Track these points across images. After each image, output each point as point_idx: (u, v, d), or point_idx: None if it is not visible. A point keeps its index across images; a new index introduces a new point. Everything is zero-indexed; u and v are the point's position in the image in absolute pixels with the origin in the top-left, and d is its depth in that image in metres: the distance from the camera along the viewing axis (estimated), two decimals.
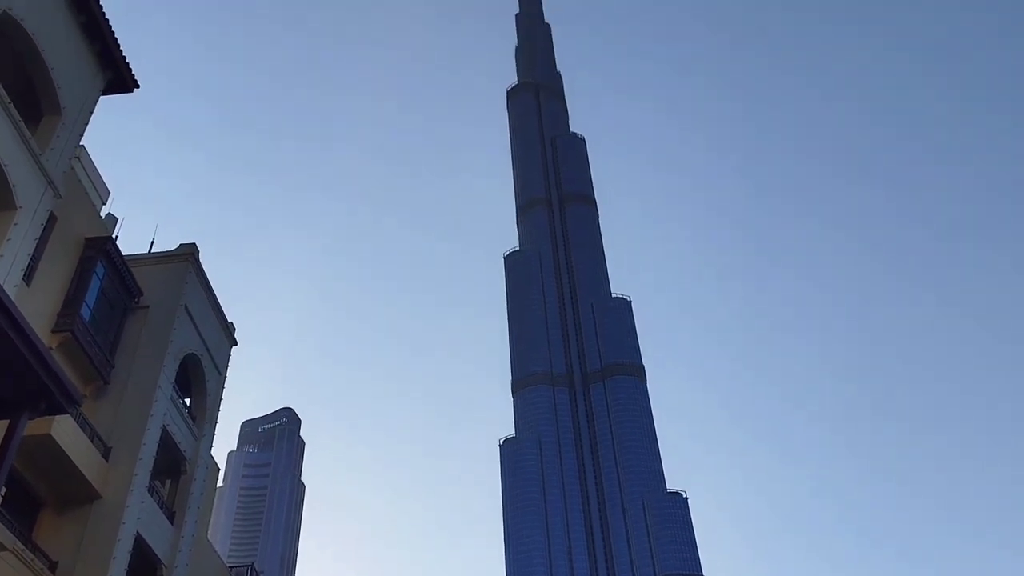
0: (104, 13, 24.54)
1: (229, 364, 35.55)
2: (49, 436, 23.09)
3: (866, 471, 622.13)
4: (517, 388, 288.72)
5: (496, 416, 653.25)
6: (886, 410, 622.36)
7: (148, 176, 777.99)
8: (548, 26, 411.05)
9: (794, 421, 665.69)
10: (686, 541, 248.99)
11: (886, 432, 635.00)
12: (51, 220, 24.99)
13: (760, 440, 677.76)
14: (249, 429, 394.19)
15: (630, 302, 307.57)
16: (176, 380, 30.57)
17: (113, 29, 24.98)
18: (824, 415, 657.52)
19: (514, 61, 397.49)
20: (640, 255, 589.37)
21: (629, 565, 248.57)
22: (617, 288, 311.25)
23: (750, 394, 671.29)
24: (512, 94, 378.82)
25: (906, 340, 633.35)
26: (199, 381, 33.04)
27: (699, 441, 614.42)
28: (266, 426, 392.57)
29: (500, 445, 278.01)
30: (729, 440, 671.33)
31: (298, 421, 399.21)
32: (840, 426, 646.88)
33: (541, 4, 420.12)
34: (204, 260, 33.16)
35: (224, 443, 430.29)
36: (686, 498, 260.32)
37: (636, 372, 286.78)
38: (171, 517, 29.53)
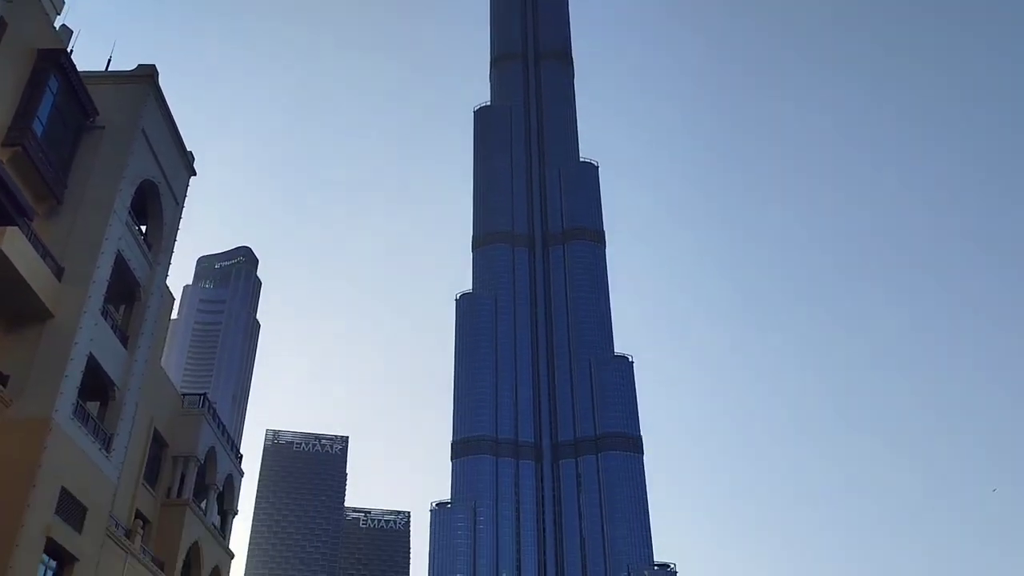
0: None
1: (187, 195, 34.91)
2: None
3: (824, 330, 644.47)
4: (478, 245, 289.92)
5: (455, 271, 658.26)
6: (849, 270, 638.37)
7: None
8: None
9: (752, 292, 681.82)
10: (627, 402, 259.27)
11: (854, 293, 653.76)
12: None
13: (713, 314, 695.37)
14: (206, 265, 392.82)
15: (597, 167, 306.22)
16: (132, 206, 30.00)
17: None
18: (785, 286, 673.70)
19: None
20: (613, 120, 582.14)
21: (572, 422, 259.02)
22: (586, 152, 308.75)
23: (708, 268, 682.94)
24: None
25: (879, 207, 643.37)
26: (155, 209, 32.48)
27: (652, 308, 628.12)
28: (223, 263, 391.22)
29: (457, 300, 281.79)
30: (682, 310, 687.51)
31: (255, 260, 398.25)
32: (804, 292, 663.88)
33: None
34: (165, 87, 31.86)
35: (179, 277, 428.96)
36: (631, 362, 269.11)
37: (596, 238, 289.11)
38: (124, 341, 29.66)
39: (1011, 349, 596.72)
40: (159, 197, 32.18)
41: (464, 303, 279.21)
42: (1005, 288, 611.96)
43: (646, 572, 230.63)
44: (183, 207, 34.52)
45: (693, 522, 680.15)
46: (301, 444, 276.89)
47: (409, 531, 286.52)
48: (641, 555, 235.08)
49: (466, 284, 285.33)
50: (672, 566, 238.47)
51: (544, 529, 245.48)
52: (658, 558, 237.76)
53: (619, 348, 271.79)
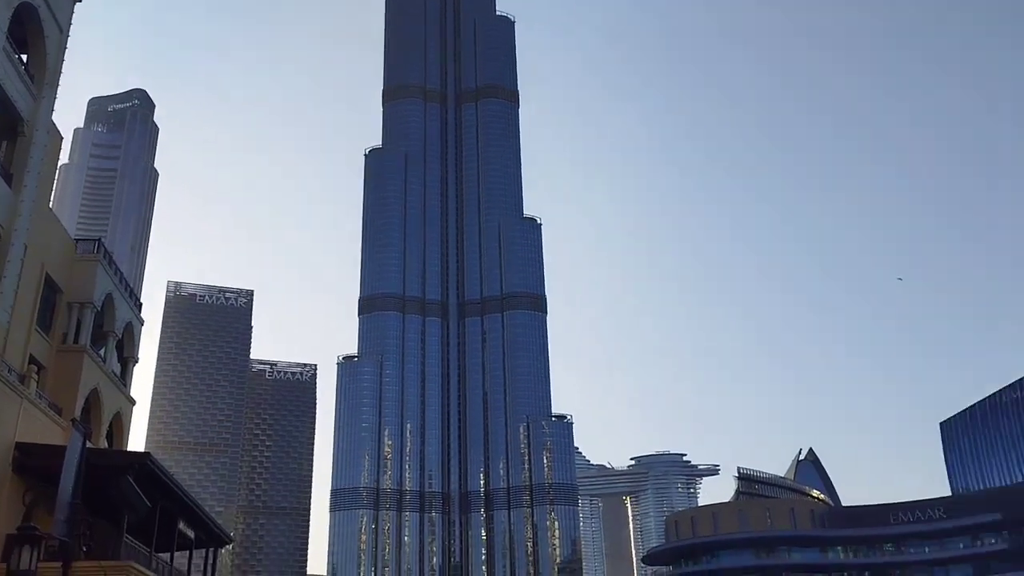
0: None
1: (72, 22, 32.21)
2: None
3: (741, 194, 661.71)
4: (388, 99, 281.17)
5: (365, 125, 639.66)
6: (758, 131, 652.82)
7: None
8: None
9: (670, 154, 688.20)
10: (534, 263, 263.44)
11: (757, 149, 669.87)
12: None
13: (627, 177, 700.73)
14: (97, 107, 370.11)
15: (514, 23, 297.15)
16: (10, 33, 27.56)
17: None
18: (698, 145, 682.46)
19: None
20: None
21: (479, 281, 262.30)
22: (504, 6, 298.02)
23: (622, 134, 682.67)
24: None
25: None
26: (37, 36, 29.94)
27: (564, 170, 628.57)
28: (116, 106, 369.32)
29: (366, 155, 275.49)
30: (595, 170, 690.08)
31: (151, 104, 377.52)
32: (715, 153, 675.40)
33: None
34: None
35: (70, 119, 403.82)
36: (540, 224, 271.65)
37: (511, 96, 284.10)
38: (8, 179, 27.96)
39: (918, 159, 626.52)
40: (40, 22, 29.60)
41: (373, 158, 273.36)
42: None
43: (543, 422, 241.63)
44: (68, 36, 31.91)
45: (588, 379, 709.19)
46: (204, 297, 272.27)
47: (315, 384, 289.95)
48: (540, 408, 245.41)
49: (376, 139, 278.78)
50: (568, 417, 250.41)
51: (448, 384, 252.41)
52: (555, 410, 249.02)
53: (528, 210, 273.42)
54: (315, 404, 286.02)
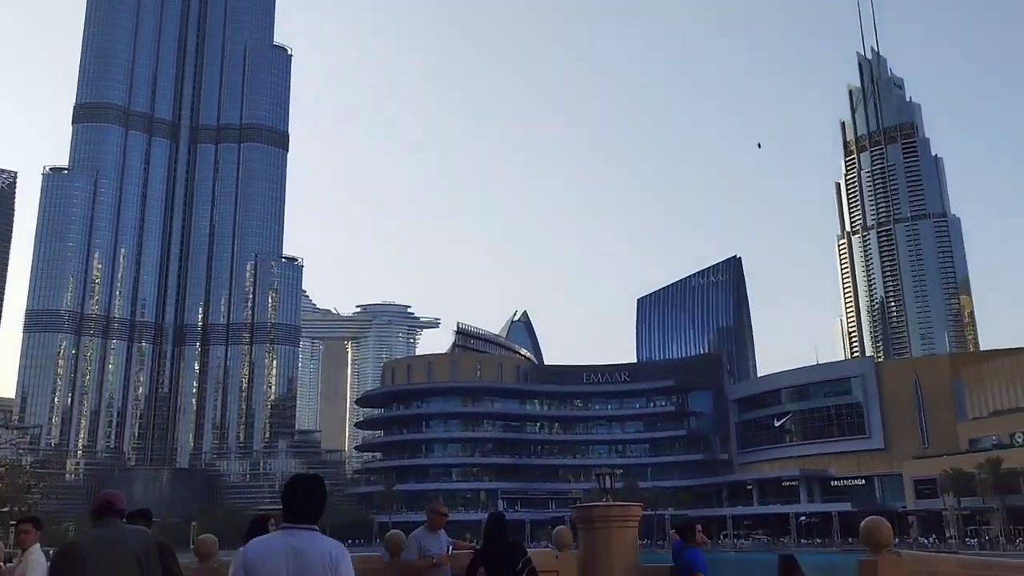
0: None
1: None
2: None
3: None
4: None
5: None
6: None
7: None
8: None
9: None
10: (279, 96, 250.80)
11: None
12: None
13: (389, 13, 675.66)
14: None
15: None
16: None
17: None
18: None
19: None
20: None
21: (217, 106, 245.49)
22: None
23: None
24: None
25: None
26: None
27: (327, 2, 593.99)
28: None
29: None
30: (358, 3, 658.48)
31: None
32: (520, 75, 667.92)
33: None
34: None
35: None
36: (291, 55, 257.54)
37: None
38: None
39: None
40: None
41: None
42: None
43: (273, 263, 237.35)
44: None
45: (324, 222, 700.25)
46: None
47: (14, 194, 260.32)
48: (270, 248, 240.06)
49: None
50: (299, 260, 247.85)
51: (172, 211, 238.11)
52: (287, 251, 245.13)
53: (280, 38, 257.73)
54: (12, 218, 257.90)
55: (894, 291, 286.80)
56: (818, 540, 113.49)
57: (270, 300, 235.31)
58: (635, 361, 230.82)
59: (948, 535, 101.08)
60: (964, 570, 6.91)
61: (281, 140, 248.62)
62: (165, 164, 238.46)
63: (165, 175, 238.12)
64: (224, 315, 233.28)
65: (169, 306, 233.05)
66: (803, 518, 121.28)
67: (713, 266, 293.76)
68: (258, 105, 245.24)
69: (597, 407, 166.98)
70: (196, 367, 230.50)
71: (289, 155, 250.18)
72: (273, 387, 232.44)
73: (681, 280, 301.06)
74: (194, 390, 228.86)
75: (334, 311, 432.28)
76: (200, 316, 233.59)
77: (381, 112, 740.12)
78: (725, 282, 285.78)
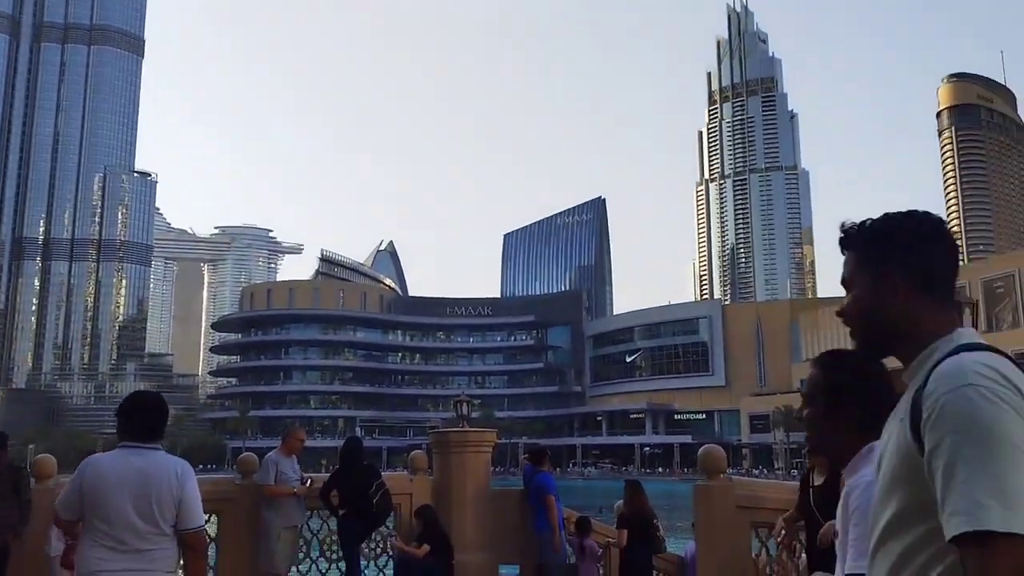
0: None
1: None
2: None
3: None
4: None
5: None
6: None
7: None
8: None
9: None
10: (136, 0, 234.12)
11: None
12: None
13: None
14: None
15: None
16: None
17: None
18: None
19: None
20: None
21: (65, 3, 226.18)
22: None
23: None
24: None
25: None
26: None
27: None
28: None
29: None
30: None
31: None
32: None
33: None
34: None
35: None
36: None
37: None
38: None
39: None
40: None
41: None
42: None
43: (124, 177, 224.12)
44: None
45: (182, 136, 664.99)
46: None
47: None
48: (121, 161, 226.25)
49: None
50: (153, 175, 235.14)
51: (11, 115, 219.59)
52: (140, 166, 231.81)
53: None
54: None
55: (744, 238, 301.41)
56: (660, 469, 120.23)
57: (120, 216, 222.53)
58: (499, 296, 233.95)
59: (776, 467, 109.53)
60: (782, 494, 7.84)
61: (136, 45, 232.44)
62: (4, 62, 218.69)
63: (3, 75, 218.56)
64: (68, 230, 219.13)
65: (7, 217, 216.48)
66: (647, 449, 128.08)
67: (579, 205, 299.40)
68: (111, 5, 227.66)
69: (459, 339, 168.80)
70: (36, 283, 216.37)
71: (145, 63, 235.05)
72: (122, 307, 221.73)
73: (547, 218, 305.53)
74: (33, 307, 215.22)
75: (190, 231, 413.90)
76: (41, 230, 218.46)
77: (250, 23, 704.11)
78: (590, 221, 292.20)
